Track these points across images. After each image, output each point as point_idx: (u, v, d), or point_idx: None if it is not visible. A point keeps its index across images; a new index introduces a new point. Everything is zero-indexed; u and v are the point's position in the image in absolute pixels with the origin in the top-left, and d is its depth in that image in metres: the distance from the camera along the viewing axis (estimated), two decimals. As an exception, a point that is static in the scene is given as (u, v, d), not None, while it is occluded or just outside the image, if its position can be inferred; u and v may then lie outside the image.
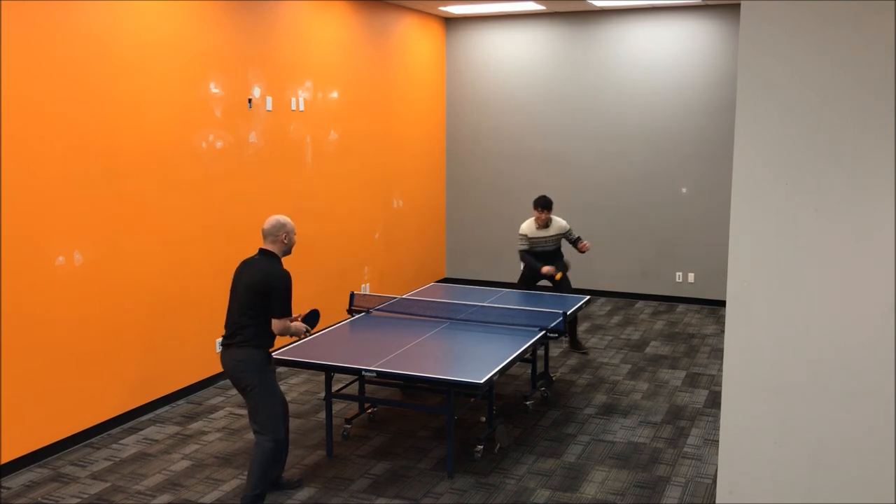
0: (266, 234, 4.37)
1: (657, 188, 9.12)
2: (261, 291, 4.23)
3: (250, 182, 6.62)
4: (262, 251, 4.38)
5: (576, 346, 7.40)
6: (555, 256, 7.23)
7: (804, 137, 2.73)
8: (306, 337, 4.74)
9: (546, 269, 7.01)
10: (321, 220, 7.57)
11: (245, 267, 4.39)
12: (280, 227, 4.35)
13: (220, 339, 6.37)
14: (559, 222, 7.22)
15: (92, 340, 5.29)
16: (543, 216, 7.06)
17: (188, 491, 4.62)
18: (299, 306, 7.25)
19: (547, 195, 7.33)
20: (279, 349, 5.27)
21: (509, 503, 4.49)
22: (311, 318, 4.57)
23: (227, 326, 4.36)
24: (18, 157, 4.74)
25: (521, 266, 7.28)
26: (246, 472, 4.84)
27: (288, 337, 4.51)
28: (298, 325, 4.47)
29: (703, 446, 5.26)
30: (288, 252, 4.44)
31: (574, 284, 9.49)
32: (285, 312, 4.28)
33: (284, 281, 4.28)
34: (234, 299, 4.34)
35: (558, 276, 7.01)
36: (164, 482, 4.73)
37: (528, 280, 7.27)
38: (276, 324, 4.28)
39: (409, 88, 9.11)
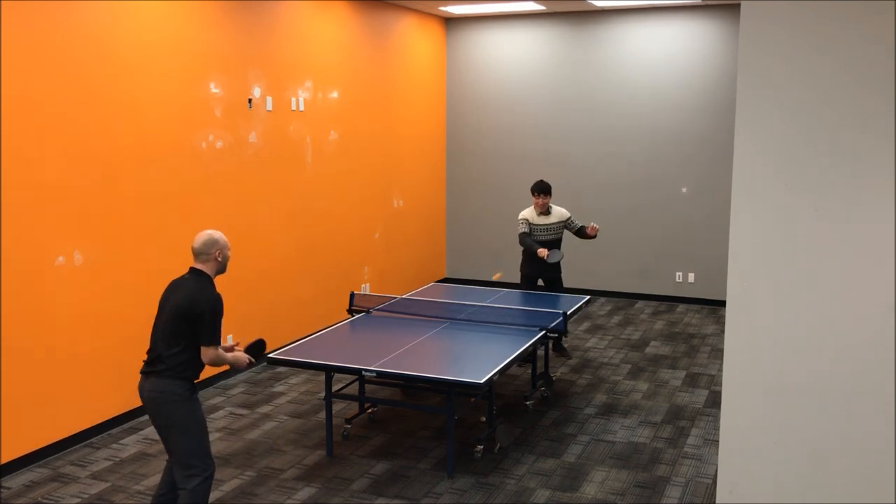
0: (197, 254, 3.90)
1: (657, 188, 9.12)
2: (187, 317, 3.78)
3: (250, 182, 6.62)
4: (192, 270, 3.92)
5: (560, 349, 7.23)
6: (555, 248, 7.00)
7: (804, 137, 2.73)
8: (248, 369, 4.21)
9: (541, 251, 6.69)
10: (321, 220, 7.57)
11: (173, 288, 3.94)
12: (212, 244, 3.89)
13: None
14: (560, 210, 7.01)
15: (92, 340, 5.29)
16: (541, 201, 6.85)
17: (188, 491, 4.61)
18: (299, 305, 7.27)
19: (545, 180, 7.12)
20: (278, 349, 5.27)
21: (509, 503, 4.49)
22: (255, 348, 4.15)
23: (148, 352, 3.91)
24: (18, 157, 4.74)
25: (520, 263, 7.16)
26: (246, 472, 4.84)
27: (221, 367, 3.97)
28: (239, 354, 4.03)
29: (703, 446, 5.26)
30: (222, 270, 3.99)
31: (574, 284, 9.50)
32: (213, 340, 3.83)
33: (213, 304, 3.81)
34: (158, 323, 3.89)
35: (546, 256, 6.76)
36: (164, 482, 4.73)
37: (530, 279, 7.15)
38: (205, 353, 3.83)
39: (409, 88, 9.11)
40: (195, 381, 3.92)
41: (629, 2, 8.49)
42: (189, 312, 3.78)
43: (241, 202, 6.52)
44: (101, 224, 5.30)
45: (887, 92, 2.61)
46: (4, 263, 4.70)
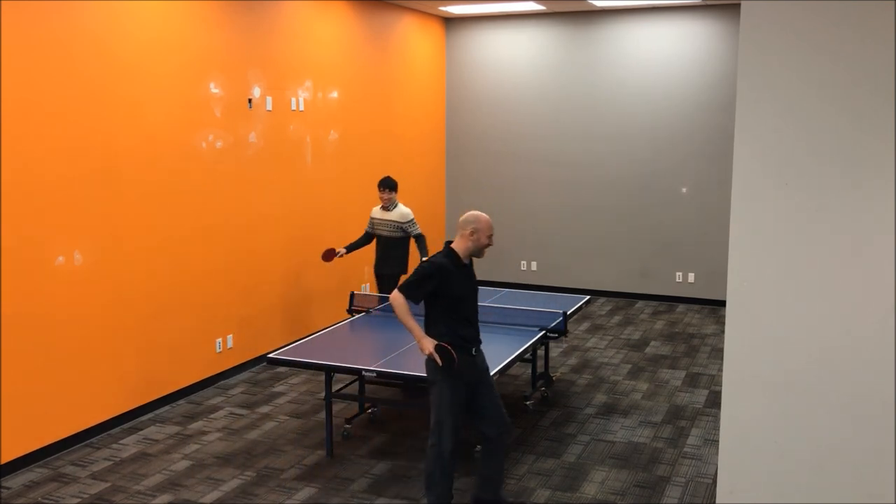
0: (457, 227, 4.15)
1: (657, 188, 9.12)
2: None
3: (250, 182, 6.62)
4: (445, 243, 4.22)
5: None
6: (395, 248, 6.70)
7: (804, 137, 2.73)
8: (428, 355, 4.17)
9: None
10: (321, 219, 7.57)
11: None
12: (467, 223, 4.09)
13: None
14: (402, 209, 6.69)
15: (92, 340, 5.29)
16: (385, 196, 6.67)
17: (188, 491, 4.62)
18: (300, 305, 7.27)
19: (391, 176, 6.86)
20: (278, 349, 5.27)
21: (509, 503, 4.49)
22: (443, 355, 4.12)
23: None
24: (18, 157, 4.74)
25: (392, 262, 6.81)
26: (246, 472, 4.85)
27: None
28: (424, 339, 4.11)
29: (703, 446, 5.26)
30: (477, 254, 4.14)
31: (574, 284, 9.52)
32: (403, 288, 4.07)
33: (420, 267, 4.13)
34: None
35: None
36: (164, 482, 4.73)
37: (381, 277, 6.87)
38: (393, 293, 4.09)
39: (409, 88, 9.11)
40: (464, 353, 4.13)
41: (629, 2, 8.49)
42: None
43: (241, 202, 6.52)
44: (101, 224, 5.30)
45: (887, 92, 2.61)
46: (4, 263, 4.70)
